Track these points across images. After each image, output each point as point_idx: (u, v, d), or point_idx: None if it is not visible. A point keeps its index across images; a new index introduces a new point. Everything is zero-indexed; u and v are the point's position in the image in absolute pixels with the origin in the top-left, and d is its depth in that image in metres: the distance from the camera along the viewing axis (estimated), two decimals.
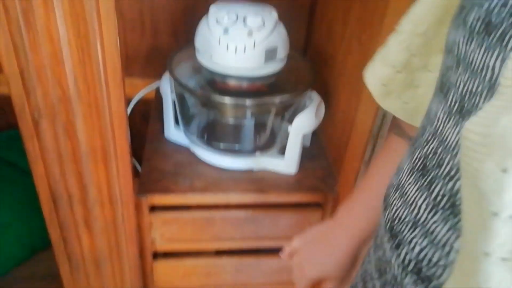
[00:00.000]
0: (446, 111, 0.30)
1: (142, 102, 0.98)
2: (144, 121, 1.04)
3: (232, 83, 0.72)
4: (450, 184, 0.28)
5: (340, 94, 0.79)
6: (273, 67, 0.71)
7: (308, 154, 0.84)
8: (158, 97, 0.96)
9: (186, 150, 0.84)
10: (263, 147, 0.80)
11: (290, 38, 0.74)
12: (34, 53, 0.50)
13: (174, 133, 0.85)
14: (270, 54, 0.68)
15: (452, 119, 0.29)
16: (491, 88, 0.25)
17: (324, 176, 0.81)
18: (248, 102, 0.71)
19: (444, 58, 0.32)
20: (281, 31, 0.70)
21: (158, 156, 0.82)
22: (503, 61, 0.24)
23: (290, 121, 0.75)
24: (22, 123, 0.55)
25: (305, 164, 0.82)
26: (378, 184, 0.44)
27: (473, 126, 0.22)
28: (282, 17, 0.72)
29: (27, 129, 0.56)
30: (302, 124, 0.75)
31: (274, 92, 0.73)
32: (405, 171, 0.34)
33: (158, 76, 0.94)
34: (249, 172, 0.80)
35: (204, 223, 0.79)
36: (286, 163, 0.79)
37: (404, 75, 0.40)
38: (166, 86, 0.80)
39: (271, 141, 0.81)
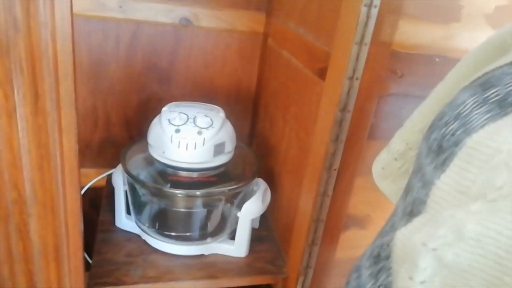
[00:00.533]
0: (402, 212, 0.33)
1: (92, 189, 0.99)
2: (93, 208, 1.04)
3: (183, 175, 0.77)
4: (390, 278, 0.31)
5: (284, 181, 0.86)
6: (222, 160, 0.78)
7: (257, 236, 0.89)
8: (109, 185, 0.98)
9: (137, 238, 0.85)
10: (214, 233, 0.84)
11: (236, 130, 0.82)
12: None
13: (125, 222, 0.86)
14: (218, 149, 0.75)
15: (403, 220, 0.32)
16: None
17: (273, 258, 0.85)
18: (199, 193, 0.76)
19: (414, 162, 0.36)
20: (228, 128, 0.78)
21: (109, 247, 0.83)
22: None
23: (239, 207, 0.80)
24: None
25: (254, 247, 0.86)
26: None
27: (400, 235, 0.26)
28: (229, 112, 0.80)
29: None
30: (250, 210, 0.80)
31: (224, 182, 0.79)
32: (366, 256, 0.37)
33: (110, 165, 0.97)
34: (200, 257, 0.83)
35: None
36: (237, 247, 0.83)
37: (401, 163, 0.44)
38: (118, 178, 0.83)
39: (221, 227, 0.85)
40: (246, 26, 0.96)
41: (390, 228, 0.34)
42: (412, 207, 0.31)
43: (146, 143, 0.81)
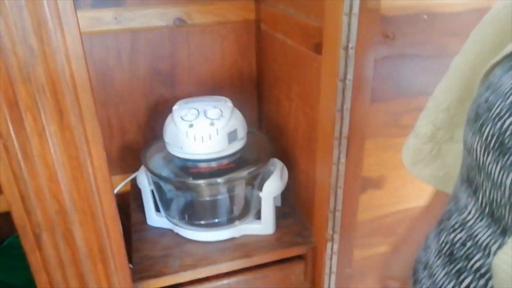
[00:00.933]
0: (477, 209, 0.30)
1: (117, 196, 1.04)
2: (121, 213, 1.10)
3: (203, 166, 0.82)
4: (482, 281, 0.29)
5: (298, 157, 0.90)
6: (236, 146, 0.82)
7: (281, 213, 0.94)
8: (134, 189, 1.03)
9: (170, 232, 0.90)
10: (240, 216, 0.89)
11: (245, 117, 0.86)
12: (32, 179, 0.58)
13: (156, 219, 0.92)
14: (231, 136, 0.80)
15: (483, 219, 0.29)
16: None
17: (300, 231, 0.90)
18: (220, 180, 0.81)
19: (465, 154, 0.33)
20: (238, 115, 0.82)
21: (146, 244, 0.88)
22: None
23: (260, 188, 0.85)
24: (25, 240, 0.61)
25: (280, 223, 0.91)
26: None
27: (503, 257, 0.24)
28: (235, 101, 0.84)
29: (29, 244, 0.62)
30: (271, 189, 0.85)
31: (242, 166, 0.84)
32: (433, 252, 0.35)
33: (130, 170, 1.02)
34: (231, 240, 0.88)
35: None
36: (264, 226, 0.88)
37: (431, 146, 0.43)
38: (143, 179, 0.88)
39: (246, 209, 0.89)
40: (238, 16, 0.99)
41: (462, 225, 0.32)
42: (490, 208, 0.28)
43: (162, 143, 0.86)
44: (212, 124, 0.76)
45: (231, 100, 0.84)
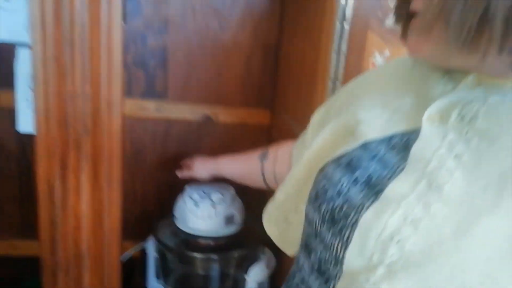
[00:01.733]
0: (310, 267, 0.41)
1: (126, 261, 1.16)
2: (126, 277, 1.20)
3: (202, 241, 0.95)
4: None
5: None
6: (232, 229, 0.96)
7: None
8: (141, 257, 1.15)
9: None
10: None
11: (250, 205, 0.99)
12: (63, 226, 0.74)
13: (155, 285, 1.03)
14: (229, 220, 0.93)
15: (314, 275, 0.40)
16: (337, 263, 0.36)
17: None
18: (213, 256, 0.93)
19: (305, 225, 0.43)
20: (238, 202, 0.97)
21: None
22: (343, 248, 0.35)
23: (246, 271, 0.95)
24: (45, 274, 0.75)
25: None
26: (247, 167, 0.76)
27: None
28: (243, 192, 0.99)
29: (48, 279, 0.75)
30: (256, 273, 0.95)
31: (234, 248, 0.96)
32: None
33: (144, 237, 1.15)
34: None
35: None
36: None
37: (279, 211, 0.51)
38: (151, 247, 1.01)
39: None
40: (256, 121, 1.19)
41: (302, 282, 0.42)
42: (319, 265, 0.38)
43: (172, 218, 1.00)
44: (213, 206, 0.91)
45: (234, 189, 0.99)
